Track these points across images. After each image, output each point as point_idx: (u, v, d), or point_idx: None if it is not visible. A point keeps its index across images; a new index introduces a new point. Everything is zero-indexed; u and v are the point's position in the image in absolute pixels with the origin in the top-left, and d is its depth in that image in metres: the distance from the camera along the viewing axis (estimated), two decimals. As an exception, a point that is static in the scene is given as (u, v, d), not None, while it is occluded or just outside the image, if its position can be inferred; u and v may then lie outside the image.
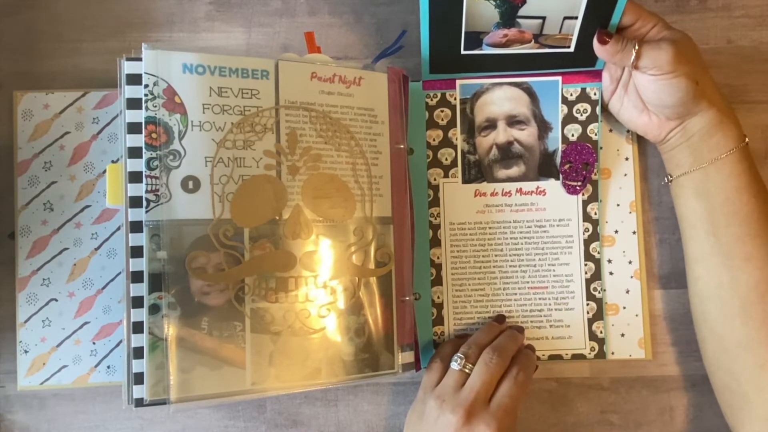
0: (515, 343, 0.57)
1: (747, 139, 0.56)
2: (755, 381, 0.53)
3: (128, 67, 0.50)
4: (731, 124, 0.55)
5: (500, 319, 0.61)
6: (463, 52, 0.59)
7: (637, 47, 0.53)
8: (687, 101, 0.54)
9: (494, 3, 0.54)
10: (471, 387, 0.53)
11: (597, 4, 0.54)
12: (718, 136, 0.55)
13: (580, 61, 0.59)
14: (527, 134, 0.62)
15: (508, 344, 0.56)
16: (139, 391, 0.49)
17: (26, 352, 0.60)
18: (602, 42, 0.55)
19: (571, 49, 0.58)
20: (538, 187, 0.62)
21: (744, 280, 0.54)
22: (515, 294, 0.62)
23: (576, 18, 0.55)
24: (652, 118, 0.58)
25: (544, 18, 0.55)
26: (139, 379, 0.49)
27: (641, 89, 0.56)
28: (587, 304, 0.61)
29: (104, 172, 0.61)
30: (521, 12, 0.55)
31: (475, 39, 0.57)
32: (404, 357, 0.57)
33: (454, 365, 0.55)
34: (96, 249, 0.61)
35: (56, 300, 0.60)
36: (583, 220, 0.62)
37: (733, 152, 0.55)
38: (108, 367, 0.60)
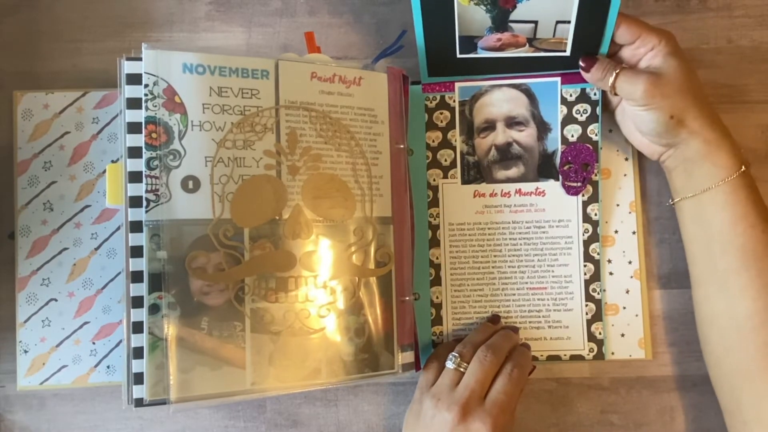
0: (509, 341, 0.57)
1: (744, 168, 0.54)
2: (755, 411, 0.53)
3: (128, 67, 0.50)
4: (722, 153, 0.54)
5: (495, 319, 0.61)
6: (459, 55, 0.59)
7: (613, 77, 0.54)
8: (660, 133, 0.54)
9: (485, 7, 0.54)
10: (466, 385, 0.53)
11: (589, 9, 0.53)
12: (707, 166, 0.54)
13: (578, 64, 0.59)
14: (526, 135, 0.62)
15: (502, 342, 0.57)
16: (138, 391, 0.49)
17: (26, 352, 0.60)
18: (585, 69, 0.57)
19: (567, 53, 0.58)
20: (537, 188, 0.62)
21: (739, 310, 0.53)
22: (514, 294, 0.62)
23: (569, 22, 0.55)
24: (644, 138, 0.58)
25: (536, 22, 0.55)
26: (138, 379, 0.49)
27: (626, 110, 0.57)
28: (586, 305, 0.61)
29: (104, 171, 0.61)
30: (513, 16, 0.55)
31: (470, 43, 0.58)
32: (404, 357, 0.57)
33: (449, 364, 0.55)
34: (96, 249, 0.61)
35: (56, 300, 0.60)
36: (583, 221, 0.61)
37: (726, 182, 0.54)
38: (108, 367, 0.60)
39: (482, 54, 0.59)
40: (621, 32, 0.54)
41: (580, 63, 0.57)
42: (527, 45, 0.57)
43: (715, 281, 0.55)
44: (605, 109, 0.61)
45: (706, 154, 0.54)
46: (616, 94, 0.56)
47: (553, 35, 0.56)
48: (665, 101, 0.53)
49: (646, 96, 0.53)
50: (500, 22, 0.55)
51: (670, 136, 0.55)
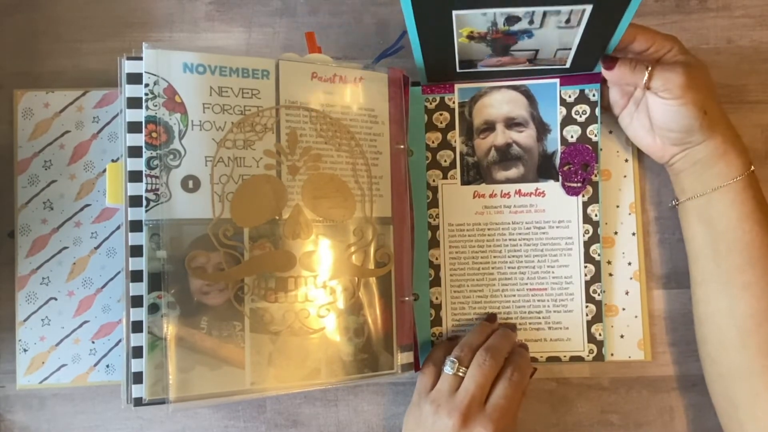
0: (508, 342, 0.57)
1: (752, 168, 0.55)
2: (751, 410, 0.53)
3: (129, 67, 0.50)
4: (735, 153, 0.55)
5: (492, 318, 0.61)
6: (458, 70, 0.59)
7: (650, 68, 0.53)
8: (693, 129, 0.54)
9: (485, 43, 0.54)
10: (466, 390, 0.53)
11: (590, 39, 0.53)
12: (721, 165, 0.55)
13: (577, 70, 0.60)
14: (526, 136, 0.62)
15: (500, 344, 0.56)
16: (138, 391, 0.49)
17: (25, 350, 0.60)
18: (608, 68, 0.55)
19: (567, 66, 0.58)
20: (537, 189, 0.62)
21: (741, 308, 0.54)
22: (514, 295, 0.62)
23: (569, 49, 0.55)
24: (657, 140, 0.57)
25: (537, 50, 0.55)
26: (138, 378, 0.49)
27: (651, 110, 0.56)
28: (586, 306, 0.61)
29: (104, 171, 0.61)
30: (514, 47, 0.55)
31: (470, 63, 0.58)
32: (403, 357, 0.57)
33: (448, 369, 0.54)
34: (96, 248, 0.61)
35: (56, 299, 0.60)
36: (584, 222, 0.61)
37: (736, 181, 0.54)
38: (107, 366, 0.60)
39: (482, 69, 0.59)
40: (638, 42, 0.54)
41: (602, 64, 0.56)
42: (527, 63, 0.58)
43: (717, 280, 0.55)
44: (604, 112, 0.61)
45: (722, 154, 0.54)
46: (648, 88, 0.54)
47: (554, 57, 0.56)
48: (698, 94, 0.53)
49: (685, 86, 0.52)
50: (501, 52, 0.55)
51: (698, 134, 0.54)
